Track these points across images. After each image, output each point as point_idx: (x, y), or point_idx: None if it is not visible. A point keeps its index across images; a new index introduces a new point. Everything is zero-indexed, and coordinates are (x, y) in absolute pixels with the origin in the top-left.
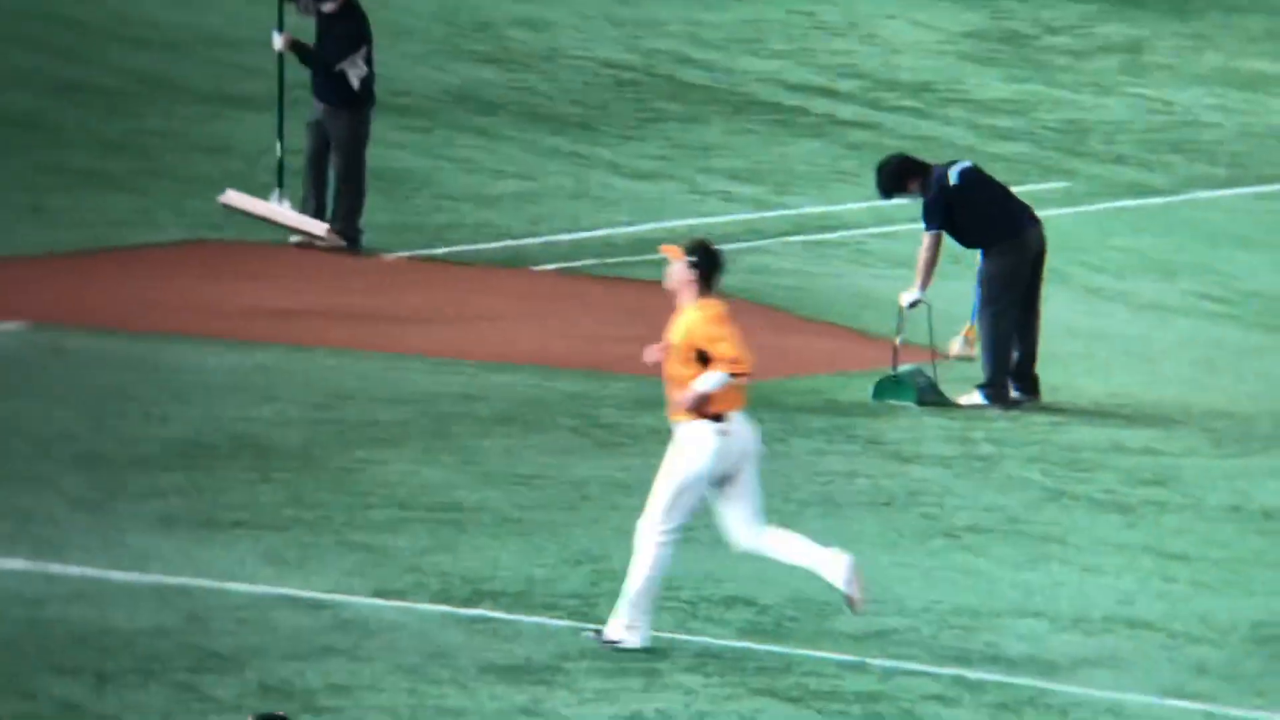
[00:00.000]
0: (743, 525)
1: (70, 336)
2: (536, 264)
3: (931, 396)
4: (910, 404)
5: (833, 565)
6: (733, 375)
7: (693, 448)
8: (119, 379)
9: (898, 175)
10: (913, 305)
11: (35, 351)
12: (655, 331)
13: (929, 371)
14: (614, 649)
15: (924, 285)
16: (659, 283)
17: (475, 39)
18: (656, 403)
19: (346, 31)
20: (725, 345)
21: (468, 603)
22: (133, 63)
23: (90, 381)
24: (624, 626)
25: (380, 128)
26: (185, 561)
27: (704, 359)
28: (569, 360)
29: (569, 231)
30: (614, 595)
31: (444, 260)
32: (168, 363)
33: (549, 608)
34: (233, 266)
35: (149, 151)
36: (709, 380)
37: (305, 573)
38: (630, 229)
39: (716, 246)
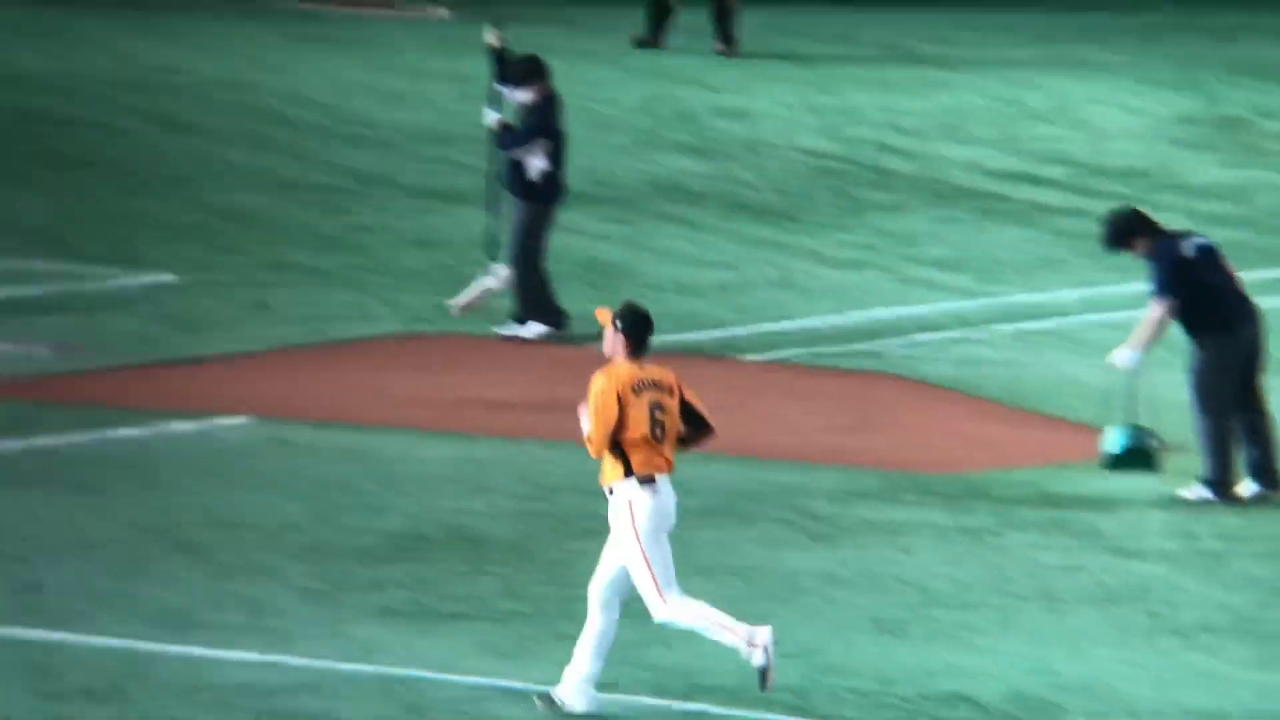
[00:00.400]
0: (605, 580)
1: (293, 429)
2: (742, 354)
3: (1163, 458)
4: (1151, 473)
5: (574, 691)
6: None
7: (631, 515)
8: (339, 471)
9: (1126, 229)
10: (1127, 370)
11: (261, 444)
12: (864, 420)
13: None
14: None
15: (1143, 347)
16: (867, 374)
17: (678, 130)
18: (869, 494)
19: (532, 122)
20: (591, 420)
21: (684, 696)
22: (349, 160)
23: (312, 473)
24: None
25: (584, 219)
26: (407, 653)
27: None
28: (777, 451)
29: (774, 321)
30: (830, 690)
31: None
32: (385, 454)
33: (765, 703)
34: (445, 359)
35: (364, 247)
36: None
37: (523, 664)
38: (836, 318)
39: (644, 309)
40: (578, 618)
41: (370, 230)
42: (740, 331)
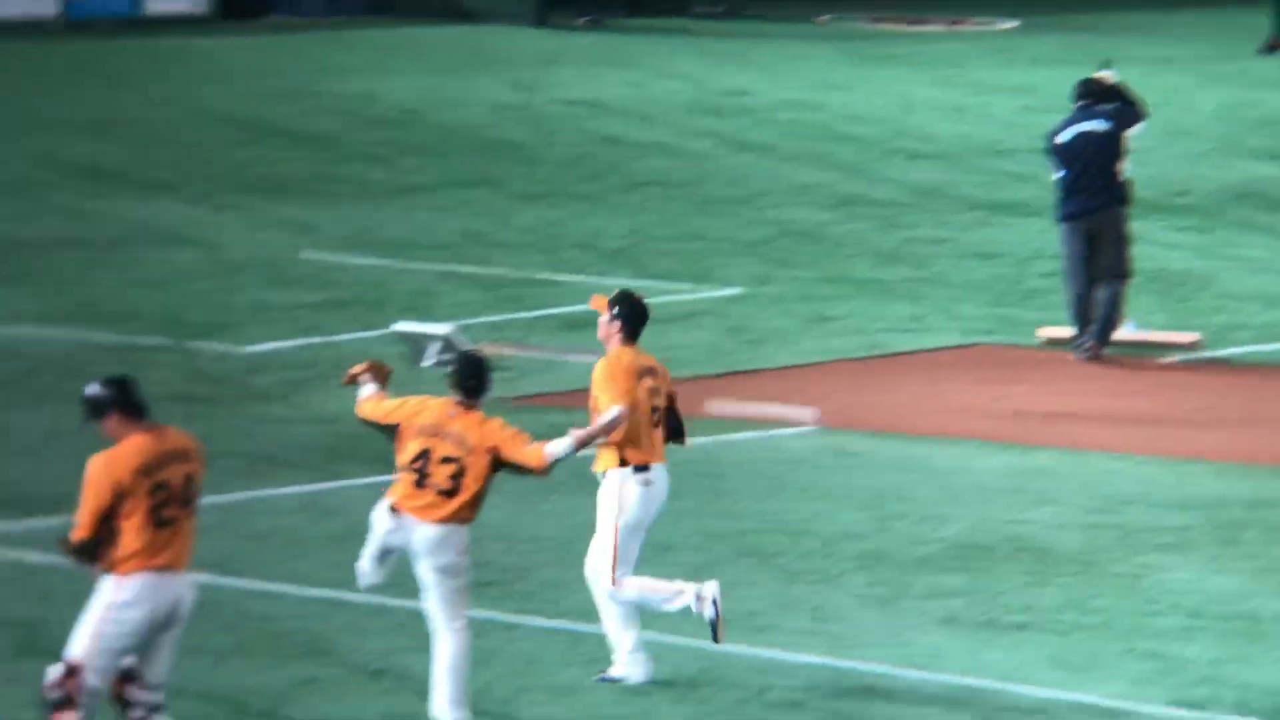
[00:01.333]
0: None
1: (852, 439)
2: None
3: None
4: None
5: (630, 662)
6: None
7: (621, 499)
8: (898, 480)
9: None
10: None
11: (822, 454)
12: None
13: None
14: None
15: None
16: None
17: (1259, 135)
18: None
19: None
20: (605, 398)
21: (1272, 715)
22: (909, 175)
23: (871, 483)
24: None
25: (1155, 228)
26: (970, 662)
27: None
28: None
29: None
30: None
31: (1227, 362)
32: (942, 465)
33: None
34: (1004, 370)
35: (923, 260)
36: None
37: (1092, 679)
38: None
39: (640, 297)
40: (1149, 634)
41: (929, 243)
42: None
